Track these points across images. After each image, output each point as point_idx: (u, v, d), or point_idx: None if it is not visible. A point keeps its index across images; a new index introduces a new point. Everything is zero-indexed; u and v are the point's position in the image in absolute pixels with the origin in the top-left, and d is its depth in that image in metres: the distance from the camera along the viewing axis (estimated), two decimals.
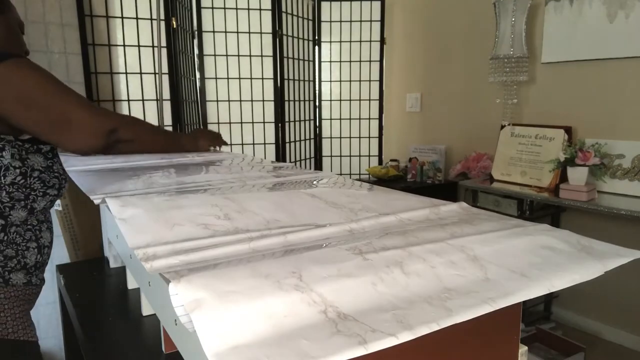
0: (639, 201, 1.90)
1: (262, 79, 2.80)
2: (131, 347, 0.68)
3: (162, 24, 2.30)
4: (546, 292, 0.40)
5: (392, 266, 0.42)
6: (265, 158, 2.22)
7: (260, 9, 2.72)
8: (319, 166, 3.20)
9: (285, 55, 2.82)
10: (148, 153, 1.07)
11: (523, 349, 0.49)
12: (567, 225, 2.29)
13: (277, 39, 2.77)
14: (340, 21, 3.06)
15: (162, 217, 0.56)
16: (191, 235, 0.52)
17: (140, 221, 0.55)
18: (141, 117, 2.36)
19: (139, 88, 2.33)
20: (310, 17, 3.04)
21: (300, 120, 3.02)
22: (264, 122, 2.84)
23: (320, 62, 3.12)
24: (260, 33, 2.75)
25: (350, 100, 3.15)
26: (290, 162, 2.94)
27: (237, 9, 2.68)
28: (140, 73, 2.32)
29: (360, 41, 3.08)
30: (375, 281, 0.39)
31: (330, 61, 3.12)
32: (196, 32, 2.64)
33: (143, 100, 2.34)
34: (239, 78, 2.76)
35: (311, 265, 0.41)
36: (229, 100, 2.75)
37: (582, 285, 0.43)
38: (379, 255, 0.44)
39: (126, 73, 2.29)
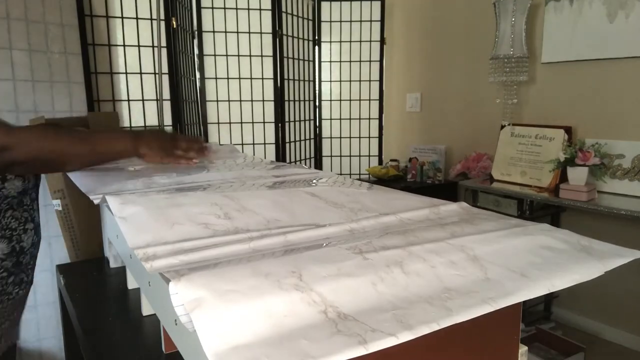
0: (639, 201, 1.90)
1: (262, 79, 2.80)
2: (131, 347, 0.68)
3: (162, 24, 2.30)
4: (546, 292, 0.40)
5: (392, 266, 0.42)
6: (265, 158, 2.22)
7: (260, 9, 2.72)
8: (319, 166, 3.20)
9: (285, 55, 2.82)
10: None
11: (523, 349, 0.49)
12: (567, 225, 2.29)
13: (277, 39, 2.77)
14: (340, 21, 3.06)
15: (162, 215, 0.56)
16: (191, 235, 0.52)
17: (140, 220, 0.55)
18: (141, 118, 2.35)
19: (139, 88, 2.33)
20: (310, 17, 3.04)
21: (300, 120, 3.02)
22: (264, 122, 2.84)
23: (320, 62, 3.12)
24: (260, 33, 2.75)
25: (350, 100, 3.15)
26: (290, 162, 2.94)
27: (237, 9, 2.68)
28: (140, 73, 2.32)
29: (360, 41, 3.08)
30: (375, 281, 0.39)
31: (330, 61, 3.12)
32: (196, 32, 2.64)
33: (143, 100, 2.34)
34: (239, 78, 2.76)
35: (311, 265, 0.41)
36: (229, 100, 2.75)
37: (582, 285, 0.43)
38: (379, 255, 0.43)
39: (126, 73, 2.29)
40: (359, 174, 3.18)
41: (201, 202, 0.62)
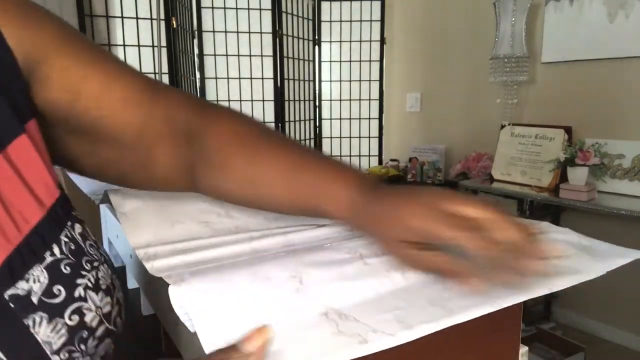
0: (639, 201, 1.90)
1: (262, 78, 2.80)
2: (131, 347, 0.68)
3: (162, 23, 2.30)
4: (547, 292, 0.40)
5: (393, 271, 0.42)
6: None
7: (260, 9, 2.72)
8: None
9: (285, 55, 2.82)
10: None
11: (523, 349, 0.49)
12: (567, 225, 2.27)
13: (277, 39, 2.77)
14: (340, 21, 3.06)
15: (164, 212, 0.56)
16: (192, 235, 0.52)
17: (141, 216, 0.55)
18: None
19: None
20: (310, 17, 3.04)
21: (300, 120, 3.02)
22: (264, 122, 2.84)
23: (320, 62, 3.12)
24: (260, 33, 2.75)
25: (350, 100, 3.15)
26: None
27: (237, 8, 2.68)
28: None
29: (360, 41, 3.08)
30: (376, 286, 0.40)
31: (330, 61, 3.12)
32: (196, 32, 2.64)
33: None
34: (239, 78, 2.76)
35: (311, 269, 0.41)
36: (229, 100, 2.75)
37: (582, 285, 0.43)
38: (379, 260, 0.44)
39: None
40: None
41: (202, 200, 0.61)
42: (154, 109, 0.46)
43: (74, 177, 0.85)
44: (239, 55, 2.73)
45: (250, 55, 2.75)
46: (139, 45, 2.30)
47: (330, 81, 3.14)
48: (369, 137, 3.19)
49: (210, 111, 0.49)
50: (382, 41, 3.08)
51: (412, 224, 0.38)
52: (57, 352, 0.33)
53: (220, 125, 0.48)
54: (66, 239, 0.36)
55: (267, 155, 0.46)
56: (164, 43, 2.32)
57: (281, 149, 0.47)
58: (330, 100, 3.16)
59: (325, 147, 3.20)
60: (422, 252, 0.39)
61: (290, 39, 2.86)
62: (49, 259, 0.34)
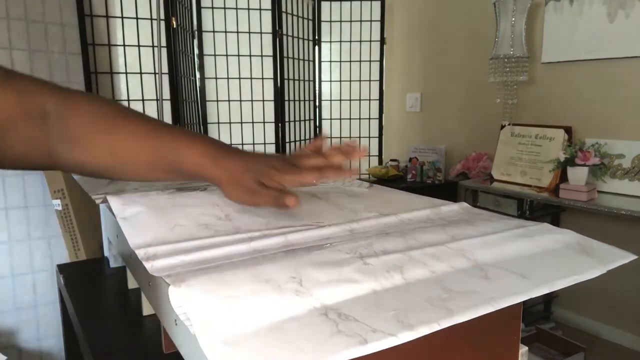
0: (639, 201, 1.90)
1: (262, 78, 2.80)
2: (131, 347, 0.68)
3: (162, 23, 2.30)
4: (547, 292, 0.41)
5: (392, 271, 0.42)
6: None
7: (260, 9, 2.72)
8: None
9: (285, 55, 2.82)
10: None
11: (523, 349, 0.49)
12: (567, 225, 2.29)
13: (277, 39, 2.77)
14: (340, 21, 3.06)
15: (164, 216, 0.56)
16: (192, 236, 0.52)
17: (141, 220, 0.55)
18: None
19: (139, 88, 2.33)
20: (310, 17, 3.04)
21: (300, 120, 3.02)
22: (264, 122, 2.84)
23: (320, 62, 3.12)
24: (260, 33, 2.75)
25: (350, 100, 3.15)
26: None
27: (237, 8, 2.68)
28: (140, 73, 2.32)
29: (360, 41, 3.08)
30: (376, 286, 0.40)
31: (330, 61, 3.12)
32: (196, 32, 2.64)
33: (143, 100, 2.34)
34: (239, 78, 2.76)
35: (311, 270, 0.41)
36: (229, 100, 2.75)
37: (582, 285, 0.43)
38: (379, 260, 0.44)
39: (126, 73, 2.29)
40: (359, 174, 3.18)
41: (202, 203, 0.62)
42: (6, 92, 0.49)
43: (76, 177, 0.85)
44: (239, 55, 2.73)
45: (250, 55, 2.75)
46: (139, 45, 2.30)
47: (330, 81, 3.14)
48: (369, 137, 3.19)
49: (66, 94, 0.53)
50: (382, 41, 3.08)
51: (254, 168, 0.55)
52: None
53: (78, 106, 0.53)
54: None
55: (125, 126, 0.54)
56: (164, 43, 2.32)
57: (138, 120, 0.55)
58: (330, 100, 3.16)
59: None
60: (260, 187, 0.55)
61: (290, 39, 2.86)
62: None
